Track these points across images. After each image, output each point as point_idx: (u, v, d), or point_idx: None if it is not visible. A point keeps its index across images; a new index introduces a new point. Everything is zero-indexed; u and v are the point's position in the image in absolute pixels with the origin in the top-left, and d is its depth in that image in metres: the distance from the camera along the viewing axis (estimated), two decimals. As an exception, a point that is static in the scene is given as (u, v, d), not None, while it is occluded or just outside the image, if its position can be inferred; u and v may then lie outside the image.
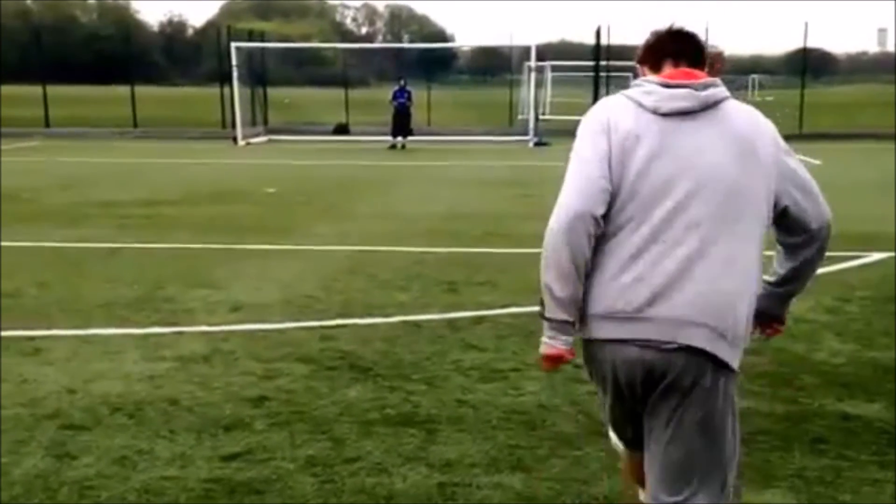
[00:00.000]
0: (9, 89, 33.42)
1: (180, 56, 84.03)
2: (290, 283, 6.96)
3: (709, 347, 2.18)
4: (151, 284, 6.86)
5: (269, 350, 5.21)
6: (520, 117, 28.43)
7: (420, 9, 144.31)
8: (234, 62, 23.30)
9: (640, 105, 2.22)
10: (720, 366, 2.22)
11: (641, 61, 2.38)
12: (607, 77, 27.32)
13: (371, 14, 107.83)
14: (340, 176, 15.50)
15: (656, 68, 2.32)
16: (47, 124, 26.42)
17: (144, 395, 4.45)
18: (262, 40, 30.72)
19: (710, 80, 2.26)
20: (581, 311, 2.27)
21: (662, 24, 2.40)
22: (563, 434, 3.98)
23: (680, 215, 2.16)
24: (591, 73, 26.79)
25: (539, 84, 26.96)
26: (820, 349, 5.28)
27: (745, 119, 2.26)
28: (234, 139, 22.89)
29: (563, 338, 2.31)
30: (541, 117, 25.99)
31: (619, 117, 2.23)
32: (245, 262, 7.86)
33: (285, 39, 43.82)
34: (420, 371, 4.84)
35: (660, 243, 2.16)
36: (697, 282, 2.15)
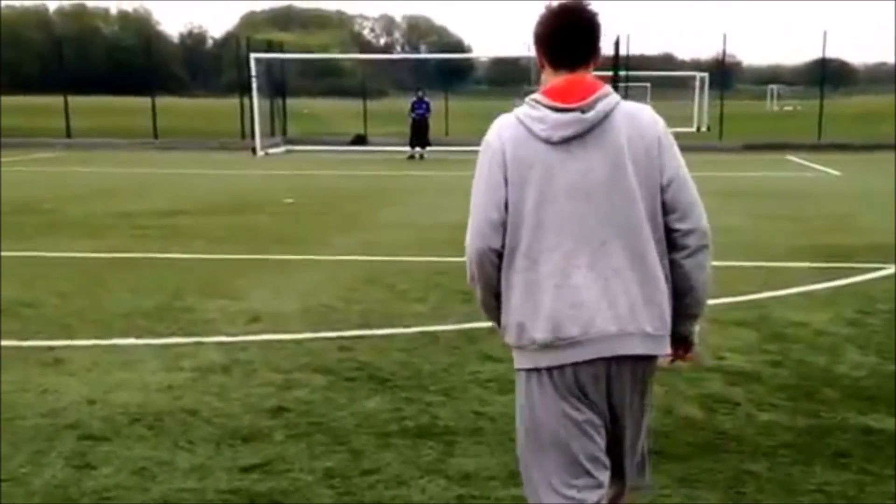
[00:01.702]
0: (31, 100, 33.81)
1: (200, 67, 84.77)
2: (309, 293, 6.97)
3: (648, 351, 2.33)
4: (170, 295, 6.89)
5: (287, 361, 5.22)
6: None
7: (438, 20, 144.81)
8: (253, 73, 23.46)
9: (532, 134, 2.27)
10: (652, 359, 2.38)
11: (538, 46, 2.37)
12: (626, 87, 27.27)
13: (389, 25, 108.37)
14: (358, 186, 15.54)
15: (553, 64, 2.34)
16: (68, 135, 26.68)
17: (163, 406, 4.46)
18: (282, 51, 30.91)
19: (598, 95, 2.27)
20: (517, 343, 2.35)
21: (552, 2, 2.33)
22: (581, 447, 3.96)
23: (586, 236, 2.26)
24: (609, 83, 26.71)
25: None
26: (842, 362, 5.23)
27: (629, 127, 2.29)
28: (253, 150, 23.02)
29: None
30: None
31: (513, 146, 2.29)
32: (263, 272, 7.88)
33: (304, 50, 44.04)
34: (438, 382, 4.83)
35: (579, 268, 2.26)
36: (623, 294, 2.27)
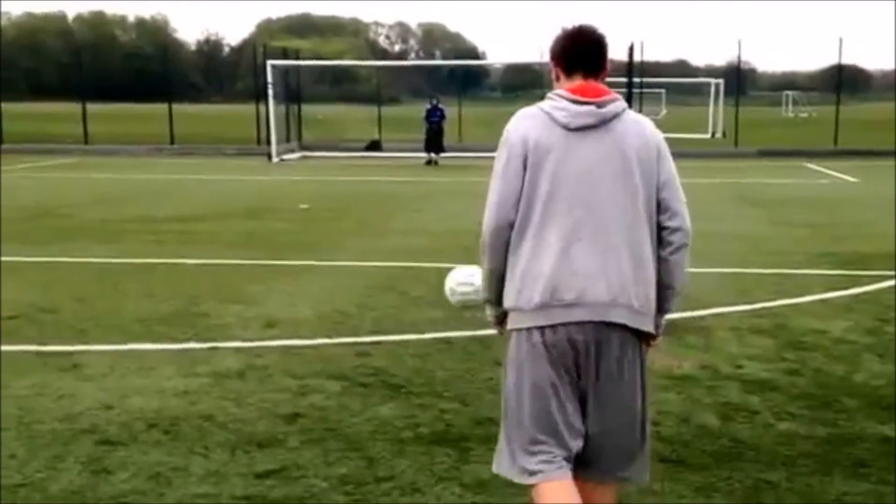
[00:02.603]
0: (49, 106, 34.08)
1: (216, 74, 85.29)
2: (324, 299, 6.99)
3: (635, 324, 2.56)
4: (187, 300, 6.92)
5: (302, 366, 5.22)
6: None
7: (453, 26, 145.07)
8: (269, 80, 23.55)
9: (554, 120, 2.57)
10: (641, 336, 2.61)
11: (553, 57, 2.68)
12: (641, 94, 27.22)
13: (404, 32, 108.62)
14: (373, 192, 15.57)
15: (568, 72, 2.65)
16: (86, 141, 26.87)
17: (179, 411, 4.48)
18: (298, 58, 31.03)
19: (610, 96, 2.60)
20: (516, 304, 2.60)
21: (570, 23, 2.70)
22: (597, 455, 3.93)
23: (590, 216, 2.54)
24: (625, 90, 26.71)
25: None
26: (860, 371, 5.18)
27: (635, 130, 2.61)
28: (269, 156, 23.10)
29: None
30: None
31: (534, 132, 2.58)
32: (279, 277, 7.91)
33: (320, 57, 44.24)
34: (453, 388, 4.82)
35: (581, 237, 2.53)
36: (617, 270, 2.53)
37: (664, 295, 2.64)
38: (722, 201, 13.54)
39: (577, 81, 2.61)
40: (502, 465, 2.71)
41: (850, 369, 5.20)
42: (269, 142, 23.74)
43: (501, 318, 2.74)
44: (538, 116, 2.61)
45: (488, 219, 2.61)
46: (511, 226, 2.57)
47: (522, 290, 2.56)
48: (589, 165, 2.54)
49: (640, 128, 2.62)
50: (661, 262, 2.62)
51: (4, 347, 5.57)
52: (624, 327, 2.54)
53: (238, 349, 5.59)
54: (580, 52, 2.64)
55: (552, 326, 2.53)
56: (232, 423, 4.32)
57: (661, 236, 2.61)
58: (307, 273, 8.16)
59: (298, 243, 9.88)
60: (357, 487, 3.63)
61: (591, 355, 2.53)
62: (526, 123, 2.61)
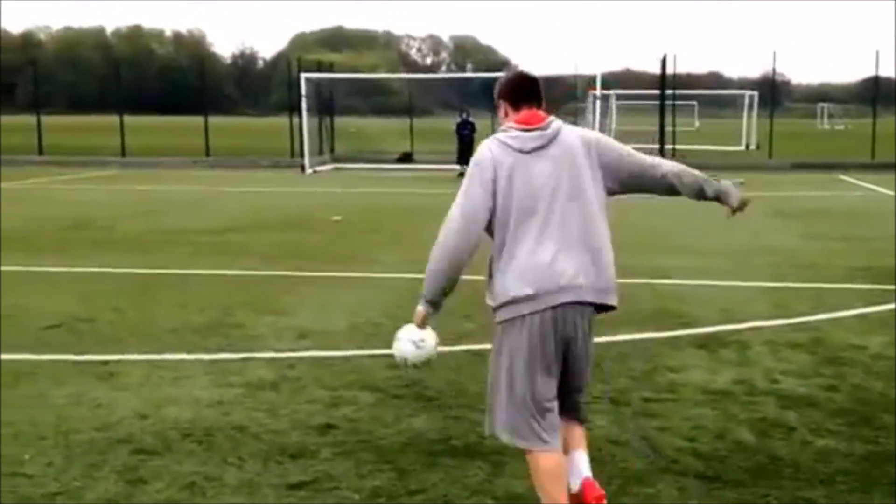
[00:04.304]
0: (87, 119, 34.62)
1: (251, 87, 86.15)
2: (357, 310, 7.01)
3: (605, 301, 3.18)
4: (221, 310, 6.98)
5: (335, 377, 5.24)
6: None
7: (484, 39, 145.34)
8: (303, 92, 23.75)
9: (511, 147, 3.17)
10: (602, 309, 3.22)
11: (501, 97, 3.30)
12: (674, 106, 27.04)
13: (436, 45, 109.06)
14: (405, 204, 15.61)
15: (515, 106, 3.26)
16: (123, 153, 27.26)
17: (213, 422, 4.51)
18: (331, 71, 31.25)
19: (549, 119, 3.23)
20: (504, 299, 3.11)
21: (511, 70, 3.53)
22: (632, 471, 3.90)
23: (554, 213, 3.11)
24: (657, 102, 26.57)
25: (604, 113, 26.83)
26: (901, 387, 5.08)
27: (574, 138, 3.23)
28: (302, 168, 23.28)
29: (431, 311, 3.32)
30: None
31: (499, 156, 3.16)
32: (312, 289, 7.95)
33: (353, 70, 44.54)
34: (485, 401, 4.79)
35: (550, 235, 3.09)
36: (579, 258, 3.11)
37: (701, 181, 3.29)
38: (756, 214, 13.38)
39: (523, 113, 3.23)
40: (517, 432, 3.17)
41: (890, 385, 5.10)
42: (302, 154, 23.92)
43: (435, 310, 3.31)
44: (498, 145, 3.19)
45: (459, 214, 3.14)
46: (479, 224, 3.13)
47: (510, 286, 3.08)
48: (546, 176, 3.12)
49: (577, 135, 3.25)
50: (664, 179, 3.27)
51: (43, 357, 5.65)
52: (591, 304, 3.14)
53: (271, 360, 5.62)
54: (524, 88, 3.29)
55: (540, 312, 3.07)
56: (265, 433, 4.35)
57: (659, 183, 3.27)
58: (340, 284, 8.20)
59: (331, 255, 9.93)
60: (389, 500, 3.63)
61: (569, 329, 3.11)
62: (492, 149, 3.19)
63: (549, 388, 3.15)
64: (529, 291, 3.06)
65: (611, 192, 3.25)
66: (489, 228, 3.16)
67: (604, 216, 3.20)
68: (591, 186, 3.16)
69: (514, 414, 3.16)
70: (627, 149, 3.35)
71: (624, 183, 3.26)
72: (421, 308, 3.29)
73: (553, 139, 3.18)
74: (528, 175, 3.11)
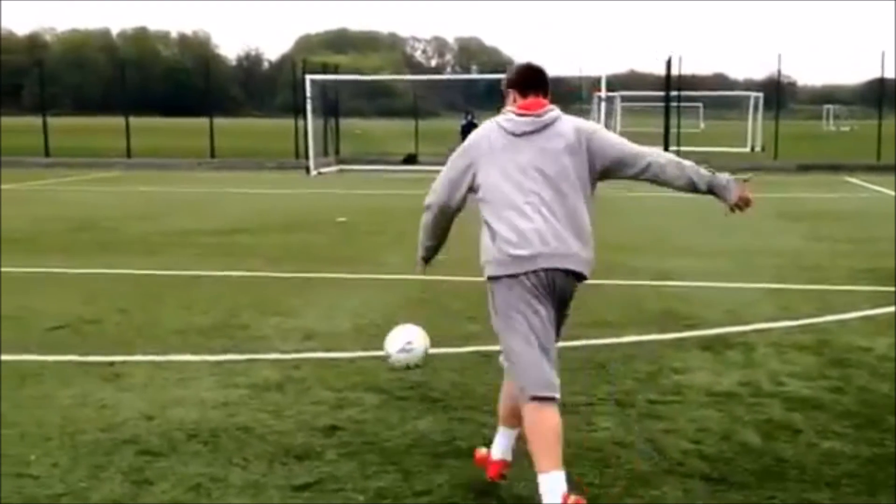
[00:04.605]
0: (93, 121, 34.70)
1: (256, 88, 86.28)
2: (362, 311, 7.01)
3: (578, 268, 3.42)
4: (226, 312, 6.99)
5: (340, 379, 5.24)
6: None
7: (489, 41, 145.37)
8: (308, 94, 23.77)
9: (504, 129, 3.45)
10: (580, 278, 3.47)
11: (510, 85, 3.52)
12: (678, 108, 27.01)
13: (441, 47, 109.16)
14: (410, 205, 15.58)
15: (523, 94, 3.48)
16: (129, 154, 27.32)
17: (219, 423, 4.51)
18: (336, 73, 31.28)
19: (548, 108, 3.45)
20: (503, 254, 3.37)
21: (519, 61, 3.72)
22: (637, 473, 3.89)
23: (539, 194, 3.34)
24: (661, 103, 26.53)
25: (609, 114, 26.81)
26: (907, 389, 5.07)
27: (566, 127, 3.43)
28: (307, 169, 23.31)
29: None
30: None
31: (493, 137, 3.45)
32: (317, 290, 7.96)
33: (358, 72, 44.57)
34: (491, 403, 4.77)
35: (536, 209, 3.33)
36: (564, 231, 3.36)
37: (690, 173, 3.40)
38: (761, 216, 13.37)
39: (530, 99, 3.45)
40: (528, 380, 3.40)
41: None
42: (307, 155, 23.94)
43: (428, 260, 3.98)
44: (493, 127, 3.48)
45: (431, 198, 3.66)
46: (448, 204, 3.59)
47: (507, 246, 3.34)
48: (532, 158, 3.37)
49: (572, 124, 3.45)
50: (656, 170, 3.40)
51: (49, 357, 5.67)
52: (573, 272, 3.40)
53: (276, 361, 5.63)
54: (531, 77, 3.51)
55: (535, 272, 3.32)
56: (270, 434, 4.35)
57: (642, 171, 3.41)
58: (345, 286, 8.20)
59: (336, 256, 9.93)
60: (394, 501, 3.63)
61: (558, 291, 3.39)
62: (486, 131, 3.49)
63: (547, 336, 3.38)
64: (527, 252, 3.31)
65: (597, 178, 3.46)
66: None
67: (589, 201, 3.43)
68: (575, 171, 3.38)
69: (529, 363, 3.38)
70: (619, 138, 3.52)
71: (608, 169, 3.44)
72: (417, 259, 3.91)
73: (547, 125, 3.40)
74: (516, 156, 3.37)
